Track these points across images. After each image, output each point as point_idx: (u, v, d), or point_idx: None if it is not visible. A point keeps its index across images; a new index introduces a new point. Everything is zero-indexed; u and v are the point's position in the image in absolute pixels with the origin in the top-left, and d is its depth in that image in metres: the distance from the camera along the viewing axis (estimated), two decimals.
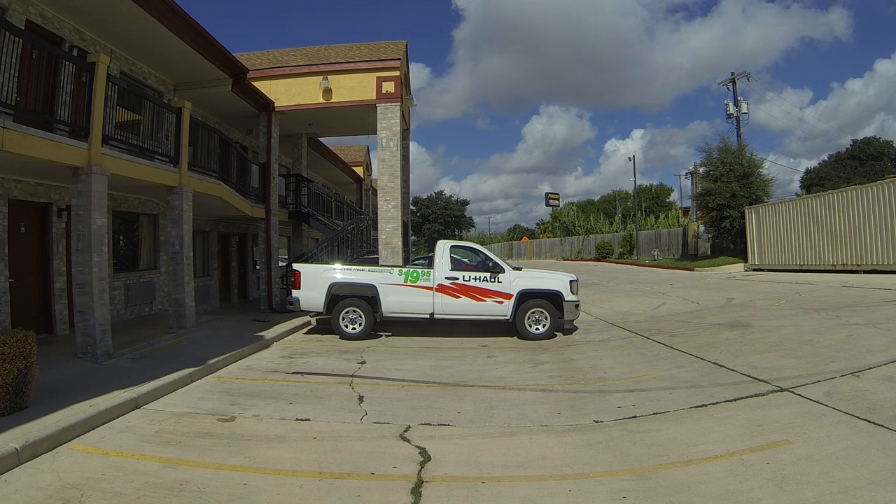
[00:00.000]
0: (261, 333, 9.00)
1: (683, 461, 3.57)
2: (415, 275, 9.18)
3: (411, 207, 24.57)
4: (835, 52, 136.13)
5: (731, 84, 26.50)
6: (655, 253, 29.41)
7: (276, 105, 12.84)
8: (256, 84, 12.33)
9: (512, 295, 8.92)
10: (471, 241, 30.47)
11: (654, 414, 4.60)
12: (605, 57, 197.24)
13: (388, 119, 12.37)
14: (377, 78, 12.42)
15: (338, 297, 9.23)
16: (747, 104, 26.11)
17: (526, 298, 8.91)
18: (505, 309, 8.95)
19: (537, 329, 8.81)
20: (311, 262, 10.22)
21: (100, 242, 6.59)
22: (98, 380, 5.49)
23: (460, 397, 5.39)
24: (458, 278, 9.06)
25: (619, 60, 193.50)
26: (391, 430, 4.41)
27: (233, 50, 11.27)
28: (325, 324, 9.93)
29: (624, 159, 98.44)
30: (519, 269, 9.56)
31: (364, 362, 7.22)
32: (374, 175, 18.72)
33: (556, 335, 8.91)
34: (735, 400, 4.78)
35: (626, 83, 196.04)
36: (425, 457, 3.80)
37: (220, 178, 10.28)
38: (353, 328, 9.12)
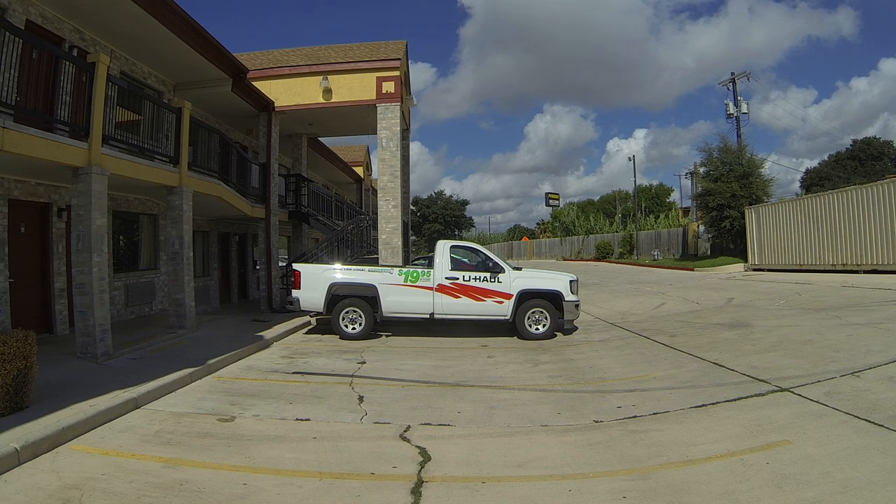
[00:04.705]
0: (261, 333, 9.00)
1: (683, 461, 3.57)
2: (415, 275, 9.18)
3: (411, 207, 24.58)
4: (840, 51, 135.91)
5: (731, 84, 26.50)
6: (655, 253, 29.40)
7: (276, 105, 12.85)
8: (256, 84, 12.33)
9: (512, 295, 8.92)
10: (471, 240, 30.47)
11: (654, 414, 4.60)
12: (609, 56, 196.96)
13: (388, 119, 12.39)
14: (377, 78, 12.44)
15: (338, 297, 9.23)
16: (747, 104, 26.13)
17: (526, 298, 8.91)
18: (505, 309, 8.95)
19: (537, 329, 8.81)
20: (311, 262, 10.22)
21: (100, 242, 6.59)
22: (98, 380, 5.49)
23: (460, 397, 5.40)
24: (458, 278, 9.05)
25: (623, 59, 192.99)
26: (391, 430, 4.41)
27: (233, 50, 11.30)
28: (325, 324, 9.93)
29: (626, 159, 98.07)
30: (519, 269, 9.56)
31: (364, 362, 7.22)
32: (374, 175, 18.72)
33: (556, 335, 8.90)
34: (735, 400, 4.78)
35: (630, 82, 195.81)
36: (425, 457, 3.80)
37: (220, 178, 10.28)
38: (353, 328, 9.11)
